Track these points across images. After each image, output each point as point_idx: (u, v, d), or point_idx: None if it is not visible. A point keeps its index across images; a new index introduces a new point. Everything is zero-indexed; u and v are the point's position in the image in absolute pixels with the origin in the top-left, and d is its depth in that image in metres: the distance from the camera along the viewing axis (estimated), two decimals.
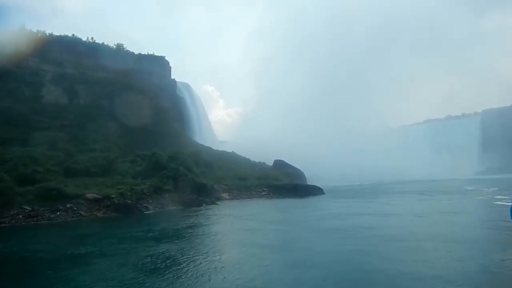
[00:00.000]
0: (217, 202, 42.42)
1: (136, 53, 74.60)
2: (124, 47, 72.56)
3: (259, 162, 77.44)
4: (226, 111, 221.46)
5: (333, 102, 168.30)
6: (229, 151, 79.13)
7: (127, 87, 69.42)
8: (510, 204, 15.55)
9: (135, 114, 68.53)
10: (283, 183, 54.52)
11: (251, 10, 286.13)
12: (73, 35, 67.49)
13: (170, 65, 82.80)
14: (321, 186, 62.76)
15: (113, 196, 34.90)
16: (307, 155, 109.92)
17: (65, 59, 64.56)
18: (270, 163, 73.60)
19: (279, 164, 71.06)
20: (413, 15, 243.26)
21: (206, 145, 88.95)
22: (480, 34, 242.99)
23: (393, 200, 39.22)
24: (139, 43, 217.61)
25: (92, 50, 68.31)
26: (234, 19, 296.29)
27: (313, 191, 53.95)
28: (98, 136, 61.77)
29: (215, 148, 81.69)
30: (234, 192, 51.17)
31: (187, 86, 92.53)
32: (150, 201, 38.29)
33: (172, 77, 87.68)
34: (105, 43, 70.47)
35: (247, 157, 78.36)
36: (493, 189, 50.32)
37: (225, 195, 49.21)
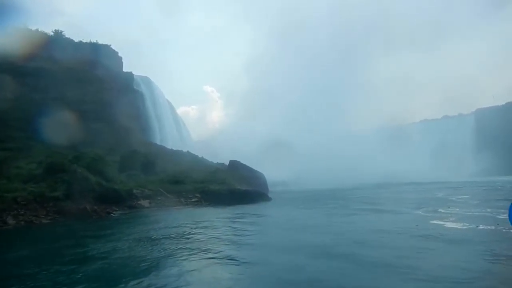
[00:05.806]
0: (114, 213, 34.97)
1: (76, 41, 67.11)
2: (64, 34, 65.06)
3: (217, 163, 70.28)
4: (225, 112, 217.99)
5: (326, 102, 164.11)
6: (184, 151, 71.82)
7: (64, 78, 62.20)
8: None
9: (71, 109, 61.27)
10: (219, 188, 46.88)
11: (249, 13, 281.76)
12: None
13: (129, 57, 75.96)
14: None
15: None
16: (297, 156, 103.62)
17: None
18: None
19: (234, 166, 63.49)
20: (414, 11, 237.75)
21: (168, 143, 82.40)
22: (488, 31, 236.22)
23: (314, 212, 31.87)
24: (138, 44, 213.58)
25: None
26: (233, 21, 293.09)
27: (256, 197, 46.51)
28: (21, 134, 54.80)
29: (181, 148, 74.89)
30: (158, 198, 43.65)
31: (146, 80, 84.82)
32: (22, 212, 30.89)
33: (129, 70, 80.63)
34: (39, 29, 62.99)
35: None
36: (464, 197, 42.61)
37: (145, 202, 41.71)
